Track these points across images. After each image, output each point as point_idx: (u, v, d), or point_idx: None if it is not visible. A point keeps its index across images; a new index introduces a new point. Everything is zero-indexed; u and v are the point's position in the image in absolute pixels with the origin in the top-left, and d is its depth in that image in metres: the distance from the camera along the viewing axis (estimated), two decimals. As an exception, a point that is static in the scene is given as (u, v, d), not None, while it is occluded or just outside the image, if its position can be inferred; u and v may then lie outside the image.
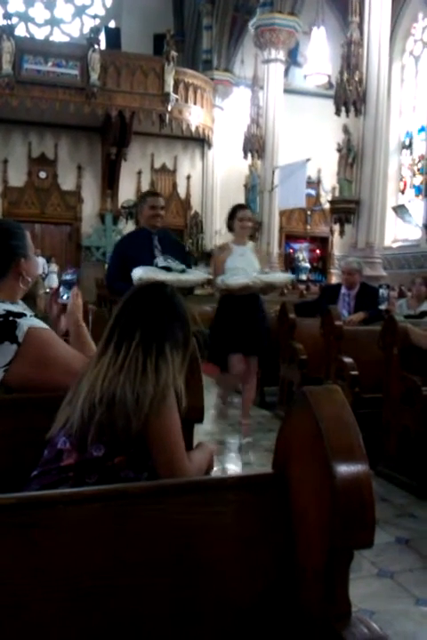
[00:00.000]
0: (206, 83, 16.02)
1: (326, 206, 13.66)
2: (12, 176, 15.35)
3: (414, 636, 2.12)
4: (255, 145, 14.50)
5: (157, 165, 16.47)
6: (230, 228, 4.46)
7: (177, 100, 14.79)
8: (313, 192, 16.37)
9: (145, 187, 16.29)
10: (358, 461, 1.04)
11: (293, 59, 15.80)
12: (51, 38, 18.16)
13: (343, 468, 1.02)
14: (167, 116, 14.63)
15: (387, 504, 3.34)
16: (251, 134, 14.58)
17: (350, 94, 10.28)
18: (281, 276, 5.08)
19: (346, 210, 10.83)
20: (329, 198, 11.39)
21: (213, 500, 1.16)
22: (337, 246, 16.22)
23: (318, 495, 1.06)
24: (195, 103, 15.52)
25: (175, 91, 14.80)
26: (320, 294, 6.88)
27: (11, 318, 1.61)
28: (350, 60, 10.35)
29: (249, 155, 14.79)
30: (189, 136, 15.84)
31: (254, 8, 14.22)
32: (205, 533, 1.13)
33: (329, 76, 12.74)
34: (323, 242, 17.56)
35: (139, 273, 3.53)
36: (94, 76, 13.87)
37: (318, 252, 17.66)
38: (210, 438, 4.31)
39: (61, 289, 1.92)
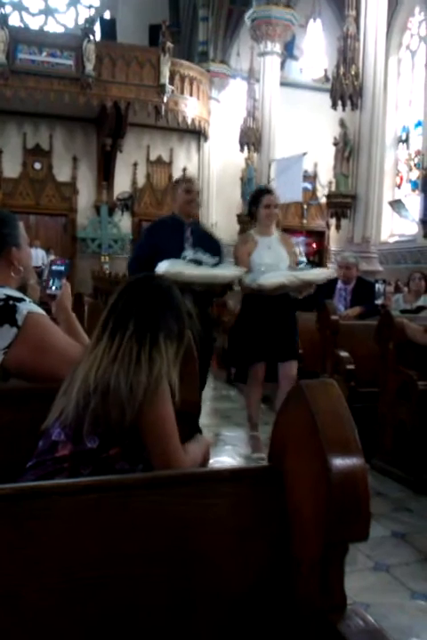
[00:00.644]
0: (202, 74, 15.95)
1: (323, 200, 13.66)
2: (7, 167, 15.25)
3: (409, 629, 2.13)
4: (252, 138, 14.46)
5: (153, 157, 16.41)
6: (253, 215, 3.92)
7: (173, 91, 14.72)
8: (309, 186, 16.34)
9: (141, 179, 16.24)
10: (354, 455, 1.04)
11: (289, 52, 15.74)
12: (45, 28, 18.02)
13: (339, 462, 1.02)
14: (163, 107, 14.56)
15: (383, 498, 3.35)
16: (247, 127, 14.54)
17: (346, 88, 10.26)
18: (320, 273, 4.15)
19: (343, 204, 10.82)
20: (325, 192, 11.39)
21: (209, 493, 1.16)
22: (334, 241, 16.22)
23: (314, 488, 1.06)
24: (191, 95, 15.45)
25: (171, 82, 14.72)
26: (316, 288, 6.87)
27: (11, 302, 1.62)
28: (347, 53, 10.32)
29: (245, 148, 14.75)
30: (185, 128, 15.77)
31: (251, 0, 14.15)
32: (200, 525, 1.14)
33: (325, 70, 12.70)
34: (319, 236, 17.55)
35: (164, 266, 3.14)
36: (89, 67, 13.78)
37: (314, 246, 17.67)
38: (206, 431, 4.31)
39: (51, 280, 1.92)
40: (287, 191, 12.85)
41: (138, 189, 16.23)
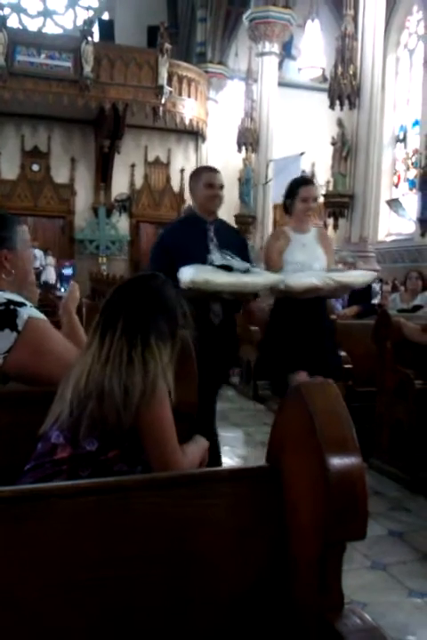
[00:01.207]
0: (200, 75, 15.95)
1: (320, 200, 13.66)
2: (5, 169, 15.25)
3: (406, 627, 2.14)
4: (249, 138, 14.47)
5: (151, 158, 16.41)
6: (288, 209, 3.43)
7: (171, 92, 14.72)
8: (307, 186, 16.32)
9: (138, 180, 16.23)
10: (352, 454, 1.05)
11: (287, 52, 15.75)
12: (43, 30, 18.01)
13: (337, 461, 1.03)
14: (161, 108, 14.56)
15: (380, 497, 3.36)
16: (245, 127, 14.54)
17: (344, 88, 10.27)
18: (360, 275, 3.59)
19: (340, 204, 10.83)
20: (323, 192, 11.39)
21: (207, 493, 1.16)
22: (332, 239, 16.20)
23: (312, 488, 1.07)
24: (189, 96, 15.45)
25: (169, 83, 14.72)
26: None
27: (12, 307, 1.63)
28: (345, 53, 10.33)
29: (243, 148, 14.75)
30: (182, 129, 15.77)
31: (249, 0, 14.16)
32: (198, 526, 1.14)
33: (323, 70, 12.71)
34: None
35: (189, 274, 2.72)
36: (88, 69, 13.78)
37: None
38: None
39: (59, 282, 1.95)
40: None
41: (136, 191, 16.23)
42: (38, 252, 13.21)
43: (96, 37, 14.89)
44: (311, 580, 1.09)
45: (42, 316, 1.69)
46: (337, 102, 10.39)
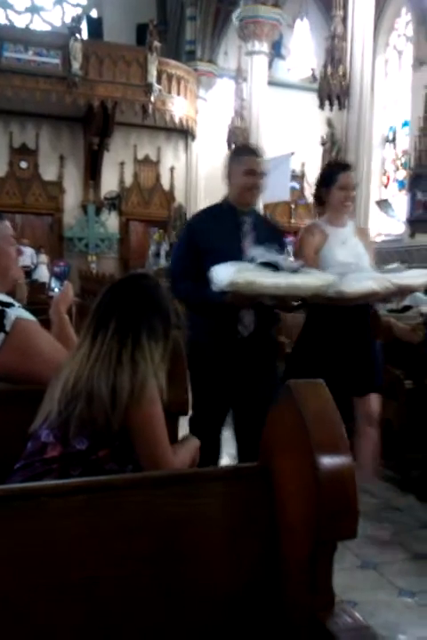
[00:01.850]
0: (190, 74, 15.93)
1: (311, 200, 13.70)
2: (-7, 166, 15.16)
3: (396, 626, 2.15)
4: (239, 137, 14.46)
5: (140, 156, 16.36)
6: (320, 199, 2.97)
7: (160, 90, 14.69)
8: (297, 185, 16.39)
9: (128, 178, 16.18)
10: (342, 454, 1.05)
11: (276, 51, 15.77)
12: (31, 26, 17.89)
13: (327, 461, 1.03)
14: (150, 106, 14.53)
15: (371, 497, 3.37)
16: (235, 126, 14.55)
17: (333, 88, 10.30)
18: (419, 275, 2.95)
19: (330, 203, 10.87)
20: (313, 192, 11.43)
21: (199, 492, 1.16)
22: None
23: (303, 487, 1.07)
24: (178, 94, 15.42)
25: (158, 81, 14.69)
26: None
27: (0, 308, 1.61)
28: (334, 53, 10.37)
29: (233, 147, 14.76)
30: (172, 127, 15.75)
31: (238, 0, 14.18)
32: (190, 525, 1.14)
33: (313, 70, 12.75)
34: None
35: (227, 273, 2.26)
36: (76, 66, 13.70)
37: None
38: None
39: (53, 281, 1.96)
40: (275, 191, 12.88)
41: (125, 189, 16.19)
42: (28, 250, 13.11)
43: (84, 35, 14.82)
44: (302, 580, 1.09)
45: (30, 316, 1.68)
46: (327, 102, 10.43)
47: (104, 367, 1.35)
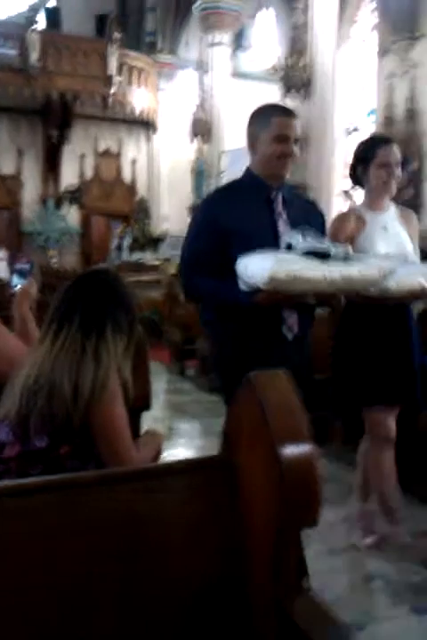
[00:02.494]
0: (151, 65, 15.79)
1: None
2: None
3: (363, 610, 2.19)
4: (202, 129, 14.43)
5: (101, 149, 16.17)
6: (357, 179, 2.59)
7: (120, 82, 14.53)
8: (260, 177, 16.42)
9: (89, 171, 15.96)
10: (304, 443, 1.06)
11: (239, 42, 15.77)
12: (-13, 16, 17.46)
13: (289, 450, 1.04)
14: (111, 98, 14.36)
15: (336, 483, 3.41)
16: (197, 118, 14.49)
17: (296, 79, 10.37)
18: None
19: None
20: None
21: (162, 487, 1.16)
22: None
23: (265, 477, 1.07)
24: (139, 86, 15.29)
25: (119, 73, 14.52)
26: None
27: None
28: (296, 44, 10.43)
29: (196, 139, 14.71)
30: (133, 119, 15.60)
31: (199, -10, 14.09)
32: (153, 520, 1.13)
33: (276, 61, 12.79)
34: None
35: (263, 266, 1.83)
36: (34, 57, 13.43)
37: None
38: (158, 424, 4.30)
39: (14, 278, 1.93)
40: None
41: (86, 182, 15.97)
42: (-12, 246, 12.83)
43: (42, 25, 14.52)
44: (267, 569, 1.10)
45: None
46: (290, 94, 10.49)
47: (67, 362, 1.34)
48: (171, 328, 7.01)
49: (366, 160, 2.51)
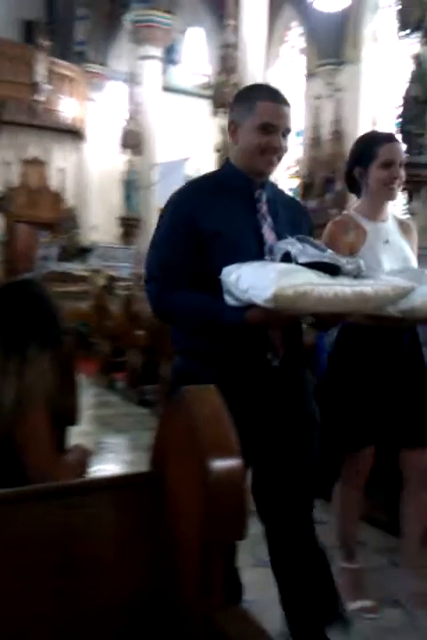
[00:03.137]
0: (80, 74, 15.63)
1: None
2: None
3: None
4: (132, 140, 14.39)
5: (28, 157, 15.78)
6: (356, 183, 2.24)
7: (49, 90, 14.28)
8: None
9: (15, 178, 15.53)
10: (232, 457, 1.07)
11: (170, 57, 15.87)
12: None
13: (218, 464, 1.05)
14: (39, 106, 14.07)
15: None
16: (128, 130, 14.45)
17: (226, 97, 10.54)
18: None
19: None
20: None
21: (89, 502, 1.14)
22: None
23: (194, 491, 1.08)
24: (68, 94, 15.09)
25: (48, 81, 14.27)
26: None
27: None
28: (227, 62, 10.61)
29: (127, 150, 14.65)
30: (62, 128, 15.35)
31: (130, 2, 14.07)
32: (83, 536, 1.12)
33: (208, 77, 12.98)
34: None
35: (266, 280, 1.49)
36: (-43, 61, 13.01)
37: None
38: (86, 439, 4.21)
39: None
40: (169, 196, 12.96)
41: (11, 189, 15.51)
42: None
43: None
44: (195, 583, 1.10)
45: None
46: (221, 110, 10.64)
47: None
48: (99, 340, 6.91)
49: (365, 160, 2.18)
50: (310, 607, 1.82)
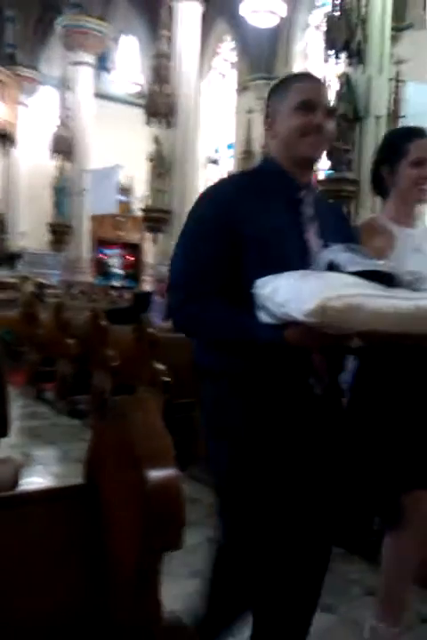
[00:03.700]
0: (10, 78, 15.23)
1: (139, 214, 13.84)
2: None
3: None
4: (63, 146, 14.14)
5: None
6: (383, 183, 1.99)
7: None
8: (125, 199, 16.44)
9: None
10: (168, 466, 1.07)
11: (103, 64, 15.74)
12: None
13: (153, 474, 1.04)
14: (-34, 108, 13.61)
15: (198, 504, 3.45)
16: (59, 135, 14.19)
17: (159, 106, 10.56)
18: None
19: (159, 219, 11.07)
20: (141, 206, 11.54)
21: (20, 516, 1.10)
22: (151, 254, 16.47)
23: (129, 502, 1.07)
24: (-2, 97, 14.67)
25: (-25, 82, 13.83)
26: (133, 301, 6.93)
27: None
28: (160, 72, 10.64)
29: (57, 156, 14.37)
30: (-10, 131, 14.90)
31: (62, 7, 13.86)
32: (14, 550, 1.08)
33: (141, 86, 12.95)
34: (135, 249, 17.70)
35: (310, 291, 1.26)
36: None
37: (131, 258, 17.76)
38: (14, 451, 4.07)
39: None
40: (102, 202, 12.82)
41: None
42: None
43: None
44: (130, 595, 1.09)
45: None
46: (153, 119, 10.66)
47: None
48: (28, 349, 6.70)
49: (393, 158, 1.94)
50: None
